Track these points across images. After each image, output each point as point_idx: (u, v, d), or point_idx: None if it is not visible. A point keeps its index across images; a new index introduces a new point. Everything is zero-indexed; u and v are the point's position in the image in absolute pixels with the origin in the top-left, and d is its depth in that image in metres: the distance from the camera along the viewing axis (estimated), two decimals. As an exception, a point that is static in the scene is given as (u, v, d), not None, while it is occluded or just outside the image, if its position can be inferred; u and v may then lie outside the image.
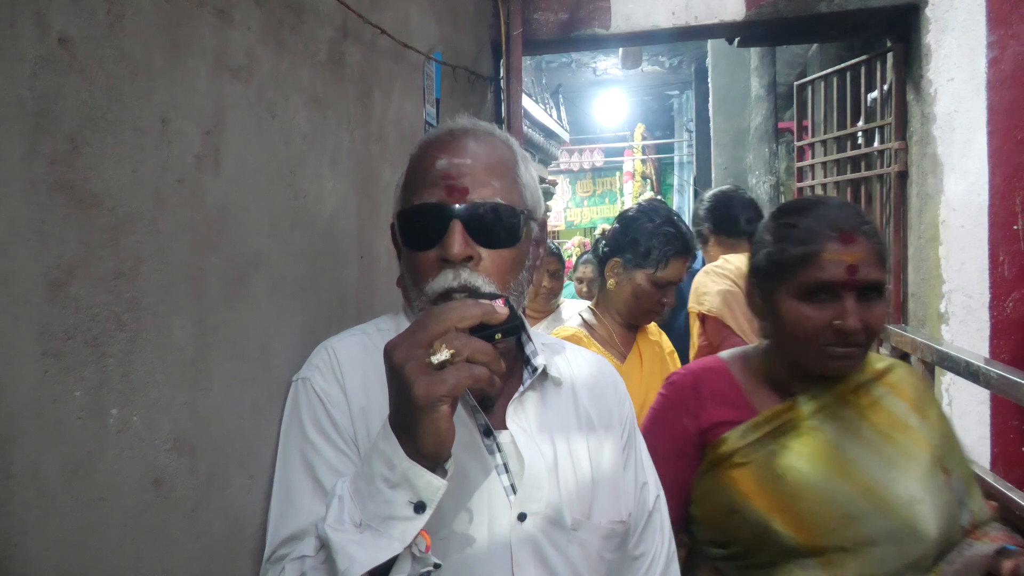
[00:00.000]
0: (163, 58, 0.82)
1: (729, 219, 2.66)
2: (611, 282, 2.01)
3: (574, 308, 3.38)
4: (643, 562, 1.08)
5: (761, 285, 1.23)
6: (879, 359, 1.28)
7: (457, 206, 0.90)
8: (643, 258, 1.94)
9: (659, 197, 10.03)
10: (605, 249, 2.05)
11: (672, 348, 2.22)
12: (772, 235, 1.22)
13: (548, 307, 3.27)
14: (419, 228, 0.93)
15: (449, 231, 0.89)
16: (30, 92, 0.64)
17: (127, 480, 0.76)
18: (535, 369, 0.99)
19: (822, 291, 1.13)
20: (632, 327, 2.05)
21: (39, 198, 0.65)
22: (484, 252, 0.91)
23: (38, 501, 0.65)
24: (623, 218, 2.08)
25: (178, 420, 0.84)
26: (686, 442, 1.25)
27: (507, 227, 0.93)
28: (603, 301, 2.05)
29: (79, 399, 0.69)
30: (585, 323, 2.06)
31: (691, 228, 2.17)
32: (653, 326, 2.17)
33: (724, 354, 1.36)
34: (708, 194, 2.91)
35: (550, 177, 8.21)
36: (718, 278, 2.46)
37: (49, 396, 0.66)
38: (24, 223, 0.63)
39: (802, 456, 1.16)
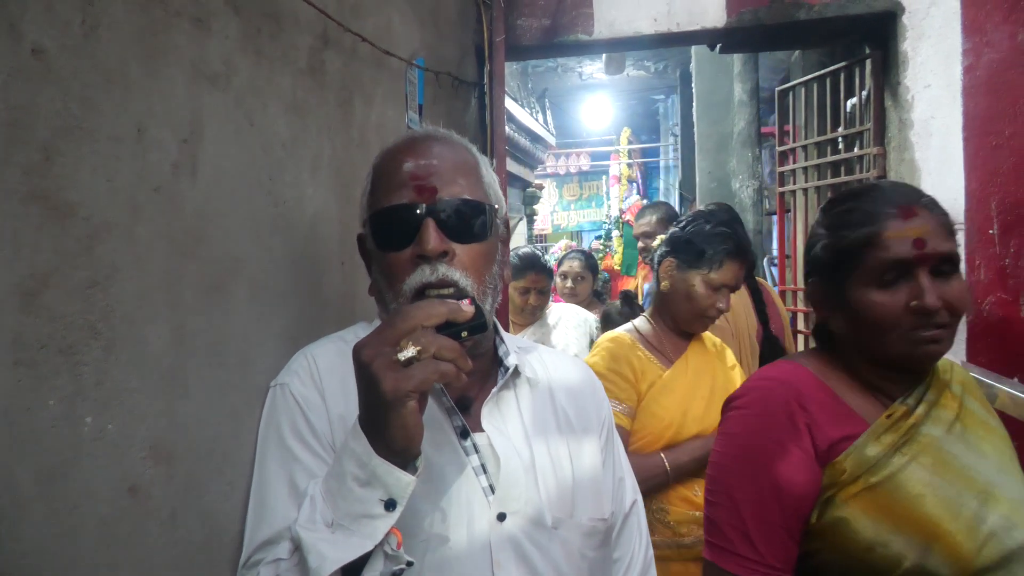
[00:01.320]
0: (139, 67, 0.82)
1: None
2: (664, 284, 1.96)
3: (560, 312, 3.37)
4: (620, 566, 1.09)
5: (824, 280, 1.13)
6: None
7: (428, 204, 0.93)
8: (697, 258, 1.90)
9: (645, 200, 10.07)
10: (662, 250, 2.02)
11: (735, 362, 2.07)
12: (827, 226, 1.14)
13: (533, 318, 3.28)
14: (392, 229, 0.95)
15: (423, 228, 0.92)
16: (2, 103, 0.64)
17: (102, 488, 0.76)
18: (507, 369, 1.00)
19: (892, 272, 1.04)
20: (686, 335, 1.97)
21: (12, 208, 0.65)
22: (458, 247, 0.93)
23: (12, 510, 0.65)
24: (681, 220, 2.05)
25: (154, 428, 0.84)
26: (799, 470, 1.04)
27: (477, 222, 0.95)
28: (658, 307, 2.00)
29: (53, 408, 0.70)
30: (635, 328, 2.01)
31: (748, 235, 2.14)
32: (711, 337, 2.06)
33: (795, 359, 1.20)
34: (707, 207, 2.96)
35: (536, 181, 8.23)
36: None
37: (22, 405, 0.66)
38: (-3, 233, 0.64)
39: (928, 469, 1.02)
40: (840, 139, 3.20)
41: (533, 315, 3.25)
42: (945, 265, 1.05)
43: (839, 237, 1.10)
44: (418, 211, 0.92)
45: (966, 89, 2.48)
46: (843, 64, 3.09)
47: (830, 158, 3.27)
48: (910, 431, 1.05)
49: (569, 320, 3.31)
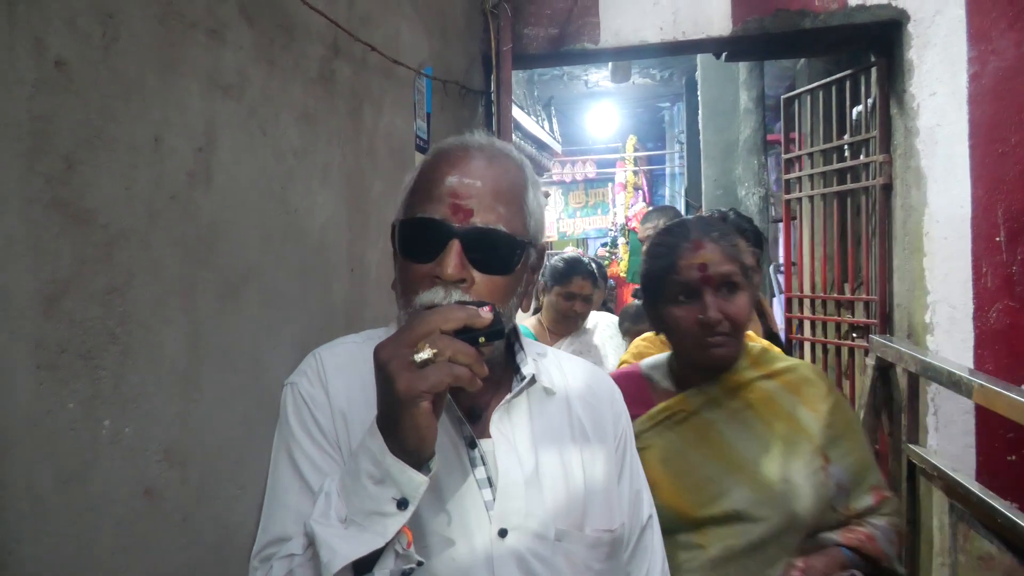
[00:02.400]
0: (157, 78, 0.84)
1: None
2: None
3: (596, 318, 3.19)
4: None
5: (649, 301, 1.43)
6: (783, 359, 1.45)
7: (459, 226, 0.91)
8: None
9: (650, 207, 10.07)
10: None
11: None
12: (646, 260, 1.44)
13: (574, 327, 2.97)
14: (418, 240, 0.94)
15: (447, 250, 0.90)
16: (27, 113, 0.66)
17: (119, 490, 0.78)
18: (524, 378, 1.00)
19: (684, 292, 1.32)
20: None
21: (35, 215, 0.67)
22: (478, 276, 0.92)
23: (32, 510, 0.66)
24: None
25: (169, 431, 0.86)
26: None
27: (505, 255, 0.93)
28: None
29: (72, 411, 0.71)
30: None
31: None
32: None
33: (645, 361, 1.53)
34: (717, 213, 2.98)
35: (543, 188, 8.24)
36: None
37: (43, 408, 0.68)
38: (21, 239, 0.65)
39: (686, 440, 1.32)
40: (846, 147, 3.21)
41: (575, 324, 2.98)
42: (726, 285, 1.31)
43: (652, 266, 1.41)
44: (447, 231, 0.91)
45: (972, 97, 2.49)
46: (849, 72, 3.10)
47: (836, 165, 3.27)
48: (681, 413, 1.33)
49: (607, 327, 3.16)
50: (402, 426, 0.75)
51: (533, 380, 1.01)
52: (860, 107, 3.08)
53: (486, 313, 0.77)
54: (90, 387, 0.73)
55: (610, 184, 12.53)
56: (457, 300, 0.90)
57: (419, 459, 0.78)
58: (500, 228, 0.92)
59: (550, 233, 12.57)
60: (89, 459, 0.73)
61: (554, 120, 8.45)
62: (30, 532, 0.66)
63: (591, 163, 12.05)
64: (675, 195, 11.23)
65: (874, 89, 2.89)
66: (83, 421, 0.72)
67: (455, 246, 0.90)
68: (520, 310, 1.02)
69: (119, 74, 0.78)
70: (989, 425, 2.48)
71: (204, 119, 0.93)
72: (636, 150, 11.57)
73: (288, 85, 1.16)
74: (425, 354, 0.73)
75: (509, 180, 0.97)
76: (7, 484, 0.64)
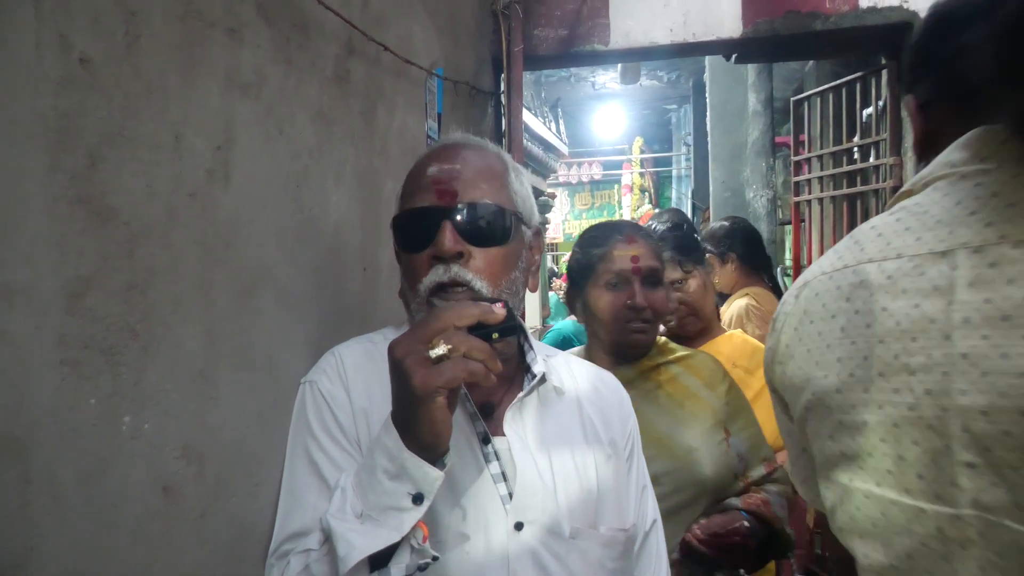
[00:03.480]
0: (177, 76, 0.85)
1: (759, 248, 2.83)
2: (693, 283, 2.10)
3: None
4: None
5: (574, 286, 1.57)
6: (683, 348, 1.61)
7: (447, 207, 0.96)
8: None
9: (657, 209, 10.07)
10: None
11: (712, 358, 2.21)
12: (579, 245, 1.58)
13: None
14: (413, 231, 0.98)
15: (440, 230, 0.94)
16: (53, 110, 0.66)
17: (138, 487, 0.78)
18: (535, 376, 1.01)
19: (615, 279, 1.47)
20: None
21: (59, 211, 0.67)
22: (474, 250, 0.96)
23: (54, 506, 0.67)
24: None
25: (187, 428, 0.86)
26: None
27: (495, 226, 0.97)
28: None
29: (94, 407, 0.71)
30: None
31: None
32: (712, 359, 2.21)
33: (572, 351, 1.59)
34: (728, 219, 3.00)
35: (549, 190, 8.25)
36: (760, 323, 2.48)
37: (66, 403, 0.68)
38: (45, 235, 0.66)
39: None
40: (856, 149, 3.20)
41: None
42: (652, 278, 1.49)
43: (585, 253, 1.55)
44: (437, 213, 0.95)
45: (983, 99, 2.48)
46: (859, 74, 3.09)
47: (845, 168, 3.27)
48: None
49: None
50: (418, 421, 0.76)
51: (544, 379, 1.02)
52: (870, 109, 3.07)
53: (499, 309, 0.78)
54: (111, 383, 0.73)
55: (616, 186, 12.53)
56: (455, 276, 0.92)
57: (434, 454, 0.79)
58: (485, 201, 0.97)
59: (556, 235, 12.57)
60: (109, 455, 0.73)
61: (561, 122, 8.46)
62: (53, 527, 0.66)
63: (597, 165, 12.04)
64: (682, 197, 11.22)
65: (884, 91, 2.88)
66: (104, 417, 0.73)
67: (446, 225, 0.94)
68: (529, 290, 1.04)
69: (141, 72, 0.78)
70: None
71: (223, 117, 0.94)
72: (643, 152, 11.56)
73: (304, 84, 1.17)
74: (440, 350, 0.74)
75: (487, 162, 1.03)
76: (30, 479, 0.64)
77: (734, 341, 2.06)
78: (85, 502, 0.70)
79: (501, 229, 0.98)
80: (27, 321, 0.64)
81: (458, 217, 0.95)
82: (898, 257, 0.66)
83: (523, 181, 1.06)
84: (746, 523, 1.41)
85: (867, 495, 0.66)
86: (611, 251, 1.49)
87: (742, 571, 1.46)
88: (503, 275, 0.98)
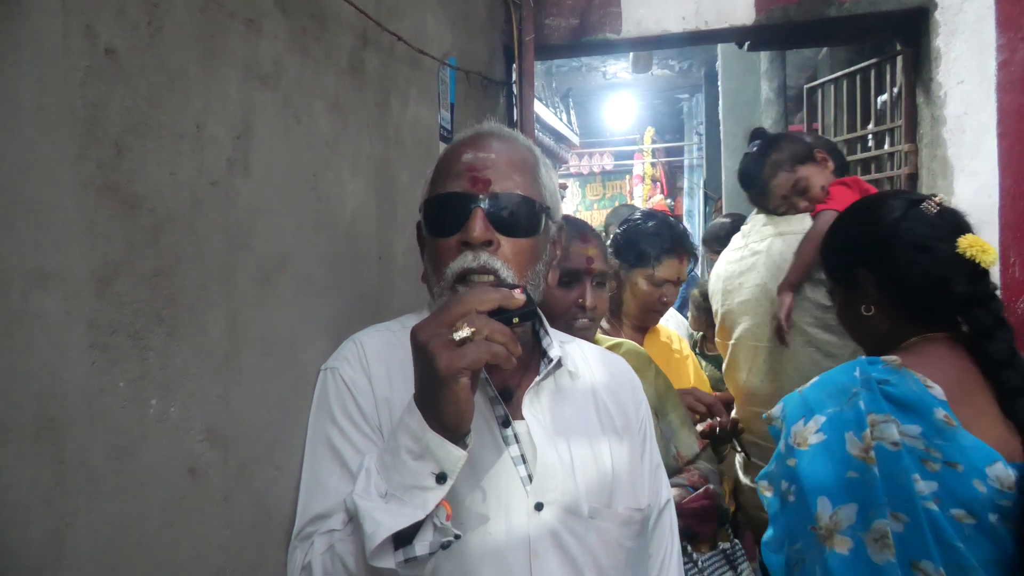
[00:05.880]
0: (198, 66, 0.86)
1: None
2: (613, 285, 2.10)
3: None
4: (654, 562, 1.10)
5: None
6: (609, 340, 1.69)
7: (480, 195, 0.96)
8: (638, 259, 2.05)
9: (669, 200, 10.03)
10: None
11: (690, 352, 2.26)
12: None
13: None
14: (444, 215, 0.99)
15: (471, 217, 0.95)
16: (80, 100, 0.68)
17: (166, 468, 0.80)
18: (551, 361, 1.02)
19: (568, 276, 1.50)
20: (642, 329, 2.14)
21: (88, 199, 0.69)
22: (503, 239, 0.97)
23: (87, 486, 0.69)
24: (622, 225, 2.18)
25: (211, 412, 0.88)
26: None
27: (526, 217, 0.98)
28: (612, 308, 2.14)
29: (123, 390, 0.73)
30: (601, 328, 2.12)
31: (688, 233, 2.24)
32: (665, 330, 2.25)
33: None
34: (730, 216, 3.02)
35: (560, 180, 8.24)
36: None
37: (96, 386, 0.70)
38: (76, 222, 0.67)
39: None
40: (870, 136, 3.18)
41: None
42: (600, 280, 1.56)
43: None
44: (469, 200, 0.96)
45: (1000, 85, 2.45)
46: (873, 61, 3.07)
47: (860, 155, 3.25)
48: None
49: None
50: (442, 402, 0.78)
51: (560, 363, 1.03)
52: (884, 96, 3.04)
53: (519, 295, 0.81)
54: (139, 367, 0.75)
55: (628, 176, 12.48)
56: (484, 264, 0.94)
57: (457, 434, 0.80)
58: (518, 192, 0.98)
59: (567, 226, 12.55)
60: (138, 437, 0.75)
61: (572, 112, 8.44)
62: (85, 506, 0.68)
63: (608, 155, 12.00)
64: (694, 187, 11.15)
65: (899, 78, 2.86)
66: (132, 400, 0.74)
67: (478, 212, 0.95)
68: (547, 281, 1.05)
69: (164, 62, 0.79)
70: (1016, 417, 2.44)
71: (242, 107, 0.95)
72: (654, 142, 11.50)
73: (320, 74, 1.18)
74: (464, 332, 0.76)
75: (521, 155, 1.04)
76: (65, 459, 0.66)
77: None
78: (116, 482, 0.72)
79: (530, 221, 0.99)
80: (59, 306, 0.66)
81: (490, 205, 0.96)
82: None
83: (552, 176, 1.08)
84: (710, 486, 1.51)
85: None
86: (567, 249, 1.50)
87: (688, 546, 1.50)
88: (529, 266, 0.99)
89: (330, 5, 1.22)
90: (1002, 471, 1.08)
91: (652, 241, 2.04)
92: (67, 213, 0.66)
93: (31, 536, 0.63)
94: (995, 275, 2.49)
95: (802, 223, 2.07)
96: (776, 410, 1.24)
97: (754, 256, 2.14)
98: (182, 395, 0.82)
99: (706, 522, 1.48)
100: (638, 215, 2.18)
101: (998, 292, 1.31)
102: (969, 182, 2.49)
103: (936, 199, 1.29)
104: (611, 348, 1.61)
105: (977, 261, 1.20)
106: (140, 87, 0.76)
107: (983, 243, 1.21)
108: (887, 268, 1.27)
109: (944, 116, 2.54)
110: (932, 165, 2.63)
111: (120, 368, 0.73)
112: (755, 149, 2.23)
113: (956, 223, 1.27)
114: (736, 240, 2.30)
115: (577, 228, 1.57)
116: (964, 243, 1.21)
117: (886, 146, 3.05)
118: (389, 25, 1.46)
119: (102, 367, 0.71)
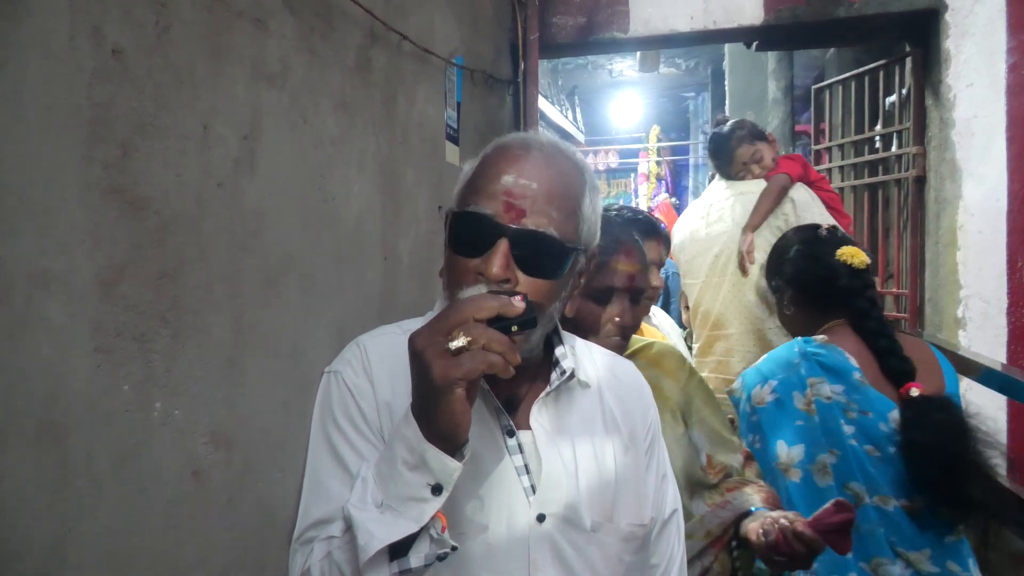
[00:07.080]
0: (205, 66, 0.85)
1: None
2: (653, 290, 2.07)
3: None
4: (656, 572, 1.09)
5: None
6: (640, 340, 1.63)
7: (511, 225, 0.90)
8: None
9: (675, 199, 10.01)
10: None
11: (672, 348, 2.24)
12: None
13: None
14: (468, 234, 0.92)
15: (495, 248, 0.89)
16: (87, 101, 0.67)
17: (169, 471, 0.79)
18: (563, 372, 1.01)
19: (604, 293, 1.40)
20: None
21: (94, 201, 0.68)
22: (523, 278, 0.90)
23: (91, 489, 0.68)
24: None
25: (215, 414, 0.87)
26: None
27: (552, 260, 0.92)
28: None
29: (127, 393, 0.73)
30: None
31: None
32: (650, 329, 2.22)
33: None
34: None
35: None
36: None
37: (100, 389, 0.69)
38: (81, 225, 0.67)
39: None
40: (878, 138, 3.16)
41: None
42: (638, 296, 1.47)
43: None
44: (498, 230, 0.89)
45: (1010, 88, 2.44)
46: (882, 62, 3.05)
47: (867, 157, 3.23)
48: None
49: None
50: (437, 412, 0.76)
51: (573, 375, 1.01)
52: (893, 98, 3.03)
53: (518, 302, 0.78)
54: (143, 370, 0.75)
55: (633, 174, 12.46)
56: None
57: (453, 445, 0.79)
58: (551, 232, 0.91)
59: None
60: (142, 440, 0.75)
61: (577, 109, 8.42)
62: (89, 509, 0.68)
63: (614, 153, 11.97)
64: (699, 186, 11.13)
65: (908, 79, 2.84)
66: (136, 403, 0.74)
67: (503, 245, 0.89)
68: (565, 314, 1.01)
69: (171, 62, 0.79)
70: (1021, 421, 2.44)
71: (249, 107, 0.94)
72: (659, 140, 11.48)
73: (327, 74, 1.17)
74: (459, 342, 0.75)
75: (565, 184, 0.94)
76: (68, 463, 0.66)
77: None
78: (119, 485, 0.72)
79: (556, 264, 0.92)
80: (63, 308, 0.65)
81: (517, 238, 0.89)
82: None
83: (596, 201, 0.99)
84: (839, 498, 1.30)
85: None
86: (608, 261, 1.39)
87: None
88: (545, 306, 0.94)
89: (337, 4, 1.21)
90: (896, 416, 1.57)
91: (628, 229, 2.02)
92: (72, 215, 0.66)
93: (34, 539, 0.63)
94: (1002, 280, 2.48)
95: (756, 186, 2.65)
96: (736, 384, 1.72)
97: (719, 210, 2.72)
98: (186, 398, 0.82)
99: (848, 537, 1.29)
100: (612, 210, 2.16)
101: (1005, 294, 1.64)
102: (977, 186, 2.48)
103: (825, 226, 1.88)
104: (642, 349, 1.55)
105: (851, 264, 1.71)
106: (147, 88, 0.75)
107: (857, 251, 1.74)
108: (792, 276, 1.84)
109: (953, 119, 2.53)
110: (940, 168, 2.61)
111: (124, 371, 0.72)
112: (724, 128, 2.81)
113: (837, 239, 1.80)
114: (701, 200, 2.85)
115: (620, 241, 1.41)
116: (841, 252, 1.73)
117: (894, 148, 3.04)
118: (396, 24, 1.45)
119: (106, 370, 0.70)
